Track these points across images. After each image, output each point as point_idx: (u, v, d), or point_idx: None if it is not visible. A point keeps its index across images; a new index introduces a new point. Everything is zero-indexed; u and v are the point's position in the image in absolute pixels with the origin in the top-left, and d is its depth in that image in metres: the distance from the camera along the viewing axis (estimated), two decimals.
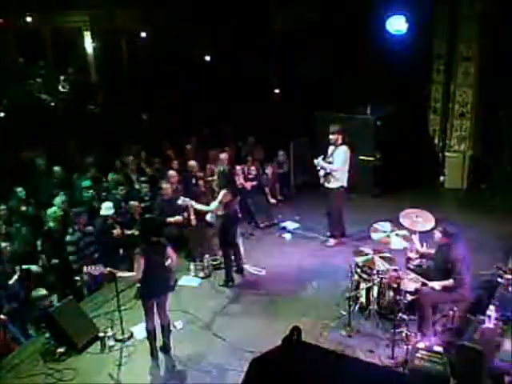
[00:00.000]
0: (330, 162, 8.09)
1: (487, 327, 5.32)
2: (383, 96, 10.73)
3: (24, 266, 6.93)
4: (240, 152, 11.27)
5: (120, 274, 5.95)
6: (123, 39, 19.14)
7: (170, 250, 5.92)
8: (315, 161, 8.18)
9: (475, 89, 10.50)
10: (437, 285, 5.81)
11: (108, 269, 5.95)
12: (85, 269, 6.17)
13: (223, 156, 10.00)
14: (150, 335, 5.94)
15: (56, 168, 9.64)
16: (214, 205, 7.26)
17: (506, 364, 5.07)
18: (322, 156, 8.16)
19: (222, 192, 7.14)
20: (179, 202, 7.52)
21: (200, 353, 6.06)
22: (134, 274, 5.67)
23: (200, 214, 8.87)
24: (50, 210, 7.57)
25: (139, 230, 5.91)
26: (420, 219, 6.53)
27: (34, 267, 7.07)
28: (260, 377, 2.88)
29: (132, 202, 8.40)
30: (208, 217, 7.69)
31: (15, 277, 6.73)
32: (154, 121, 13.95)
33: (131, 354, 6.11)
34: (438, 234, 5.91)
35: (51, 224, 7.49)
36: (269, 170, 10.33)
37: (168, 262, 5.91)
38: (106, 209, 7.85)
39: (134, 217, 8.25)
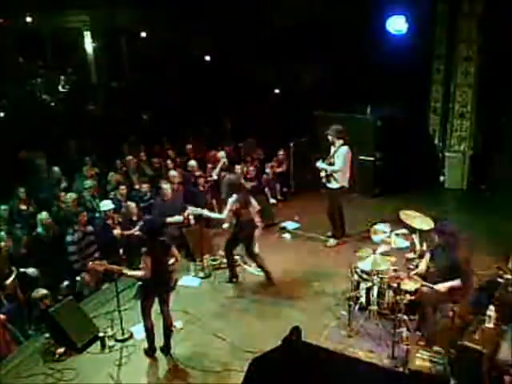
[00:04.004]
0: (331, 163, 8.10)
1: (487, 327, 5.32)
2: (383, 96, 10.73)
3: (21, 270, 6.89)
4: (240, 152, 11.28)
5: (128, 272, 5.94)
6: (123, 39, 19.14)
7: (173, 250, 5.97)
8: (316, 164, 8.22)
9: (475, 89, 10.50)
10: (443, 287, 5.78)
11: (120, 267, 5.96)
12: (90, 264, 6.19)
13: (221, 154, 10.01)
14: (149, 333, 5.95)
15: (55, 168, 9.65)
16: (224, 214, 7.24)
17: (506, 364, 5.07)
18: (322, 159, 8.20)
19: (229, 200, 7.09)
20: (188, 211, 7.52)
21: (200, 353, 6.06)
22: (141, 273, 5.68)
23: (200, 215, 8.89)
24: (40, 215, 7.55)
25: (144, 231, 5.91)
26: (419, 219, 6.53)
27: (30, 270, 7.02)
28: (260, 377, 2.88)
29: (129, 203, 8.40)
30: (224, 226, 7.71)
31: (12, 276, 6.72)
32: (154, 120, 13.95)
33: (131, 354, 6.10)
34: (436, 236, 5.89)
35: (39, 229, 7.49)
36: (269, 170, 10.32)
37: (171, 262, 5.94)
38: (106, 205, 7.88)
39: (131, 218, 8.24)
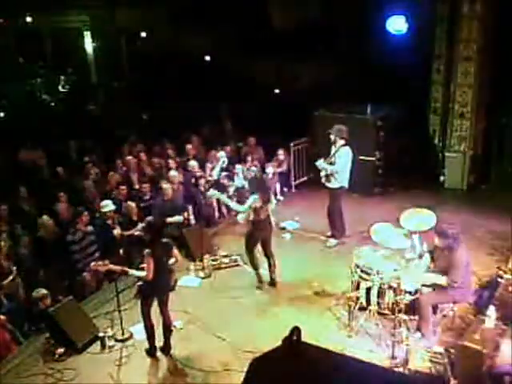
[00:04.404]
0: (331, 163, 8.10)
1: (487, 327, 5.32)
2: (383, 96, 10.73)
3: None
4: (240, 152, 11.28)
5: (133, 272, 5.93)
6: (123, 39, 19.17)
7: (175, 251, 5.99)
8: (317, 163, 8.20)
9: (475, 89, 10.49)
10: (428, 279, 5.79)
11: (123, 267, 5.97)
12: (92, 265, 6.20)
13: (221, 154, 10.00)
14: (149, 333, 5.95)
15: (59, 168, 9.67)
16: (243, 207, 7.14)
17: (506, 365, 5.07)
18: (323, 159, 8.18)
19: (251, 197, 7.00)
20: (208, 193, 7.44)
21: (200, 353, 6.06)
22: (144, 274, 5.68)
23: (200, 214, 8.89)
24: (41, 219, 7.55)
25: (148, 233, 5.92)
26: (420, 219, 6.52)
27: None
28: (260, 377, 2.87)
29: (129, 203, 8.40)
30: (238, 217, 7.63)
31: (10, 277, 6.72)
32: (155, 120, 13.96)
33: (131, 354, 6.11)
34: (437, 237, 5.89)
35: (41, 232, 7.49)
36: (270, 170, 10.32)
37: (172, 262, 5.95)
38: (107, 206, 7.88)
39: (132, 218, 8.25)
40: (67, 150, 11.17)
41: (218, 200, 9.44)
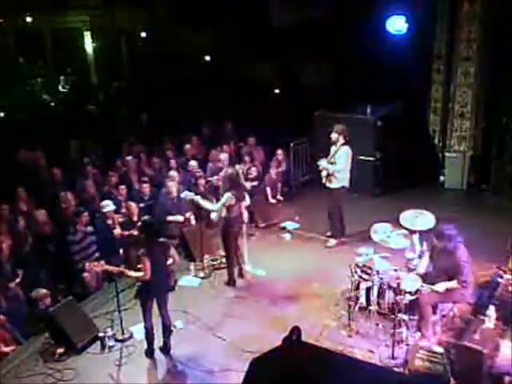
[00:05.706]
0: (332, 163, 8.10)
1: (487, 327, 5.32)
2: (383, 96, 10.73)
3: None
4: (240, 152, 11.27)
5: (130, 273, 5.93)
6: (123, 39, 19.20)
7: (172, 251, 5.97)
8: (319, 162, 8.21)
9: (475, 89, 10.50)
10: (440, 287, 5.78)
11: (119, 268, 5.97)
12: (87, 265, 6.20)
13: (223, 157, 9.99)
14: (149, 334, 5.95)
15: (55, 170, 9.65)
16: (217, 206, 7.30)
17: (505, 365, 5.07)
18: (324, 159, 8.19)
19: (225, 195, 7.11)
20: (182, 195, 7.52)
21: (200, 353, 6.06)
22: (141, 274, 5.67)
23: (200, 215, 8.88)
24: (35, 212, 7.56)
25: (144, 232, 5.90)
26: (420, 219, 6.52)
27: None
28: (260, 377, 2.88)
29: (129, 203, 8.40)
30: (212, 216, 7.68)
31: (17, 280, 6.72)
32: (154, 120, 13.95)
33: (131, 354, 6.11)
34: (435, 238, 5.88)
35: (36, 228, 7.51)
36: (272, 170, 10.32)
37: (169, 262, 5.94)
38: (107, 206, 7.88)
39: (132, 218, 8.24)
40: (67, 149, 11.16)
41: (218, 201, 9.44)
